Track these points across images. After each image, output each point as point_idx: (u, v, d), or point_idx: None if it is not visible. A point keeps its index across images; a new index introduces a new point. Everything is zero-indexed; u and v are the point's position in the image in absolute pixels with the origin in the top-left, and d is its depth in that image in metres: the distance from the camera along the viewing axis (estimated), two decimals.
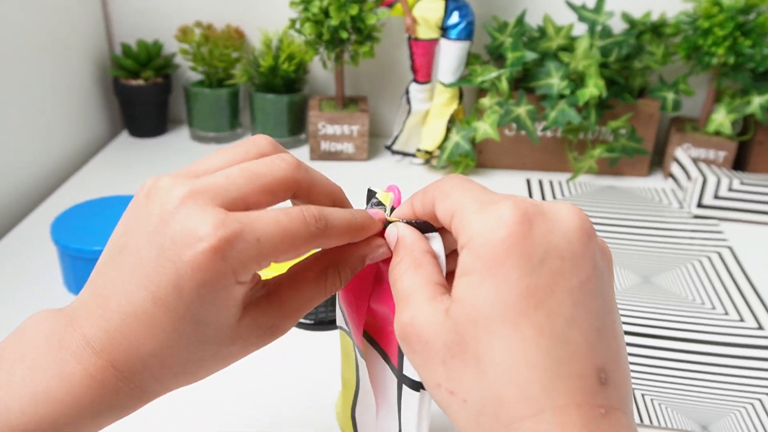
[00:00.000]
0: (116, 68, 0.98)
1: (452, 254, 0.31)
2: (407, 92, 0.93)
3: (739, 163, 0.92)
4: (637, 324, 0.63)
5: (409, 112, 0.93)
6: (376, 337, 0.36)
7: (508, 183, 0.91)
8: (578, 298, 0.26)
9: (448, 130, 0.91)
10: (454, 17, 0.86)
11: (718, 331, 0.62)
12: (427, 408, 0.35)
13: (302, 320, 0.60)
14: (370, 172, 0.93)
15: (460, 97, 0.92)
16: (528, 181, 0.91)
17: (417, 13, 0.87)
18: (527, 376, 0.25)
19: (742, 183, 0.81)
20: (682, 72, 0.91)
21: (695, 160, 0.88)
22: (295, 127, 0.98)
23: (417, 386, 0.34)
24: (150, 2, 0.99)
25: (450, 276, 0.29)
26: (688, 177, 0.85)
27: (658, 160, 0.97)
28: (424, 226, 0.32)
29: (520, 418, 0.25)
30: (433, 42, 0.89)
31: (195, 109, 0.98)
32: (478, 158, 0.93)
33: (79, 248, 0.60)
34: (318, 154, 0.95)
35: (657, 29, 0.90)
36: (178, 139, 1.01)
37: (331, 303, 0.61)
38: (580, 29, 0.93)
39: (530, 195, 0.88)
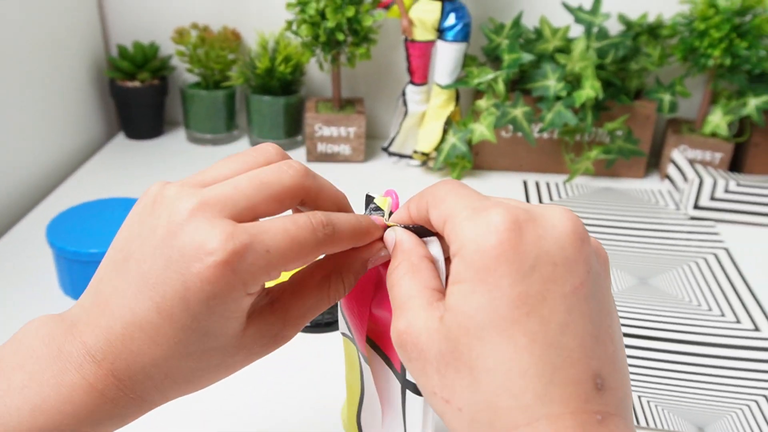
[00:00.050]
0: (112, 70, 0.98)
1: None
2: (404, 94, 0.93)
3: (736, 164, 0.93)
4: (634, 326, 0.63)
5: (405, 113, 0.93)
6: (379, 342, 0.36)
7: (504, 185, 0.91)
8: (572, 303, 0.26)
9: (445, 131, 0.91)
10: (451, 19, 0.86)
11: (714, 332, 0.62)
12: (432, 412, 0.35)
13: None
14: (366, 174, 0.93)
15: (457, 98, 0.92)
16: (525, 183, 0.91)
17: (413, 14, 0.87)
18: (520, 384, 0.24)
19: (739, 184, 0.81)
20: (679, 74, 0.91)
21: (692, 162, 0.88)
22: (292, 129, 0.97)
23: (420, 391, 0.34)
24: (146, 4, 0.99)
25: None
26: (685, 178, 0.85)
27: (654, 162, 0.98)
28: (423, 230, 0.32)
29: (515, 426, 0.24)
30: (430, 44, 0.89)
31: (191, 110, 0.97)
32: (474, 160, 0.93)
33: (75, 251, 0.60)
34: (314, 156, 0.94)
35: (653, 31, 0.90)
36: (175, 141, 1.01)
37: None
38: (576, 31, 0.93)
39: (527, 197, 0.88)
